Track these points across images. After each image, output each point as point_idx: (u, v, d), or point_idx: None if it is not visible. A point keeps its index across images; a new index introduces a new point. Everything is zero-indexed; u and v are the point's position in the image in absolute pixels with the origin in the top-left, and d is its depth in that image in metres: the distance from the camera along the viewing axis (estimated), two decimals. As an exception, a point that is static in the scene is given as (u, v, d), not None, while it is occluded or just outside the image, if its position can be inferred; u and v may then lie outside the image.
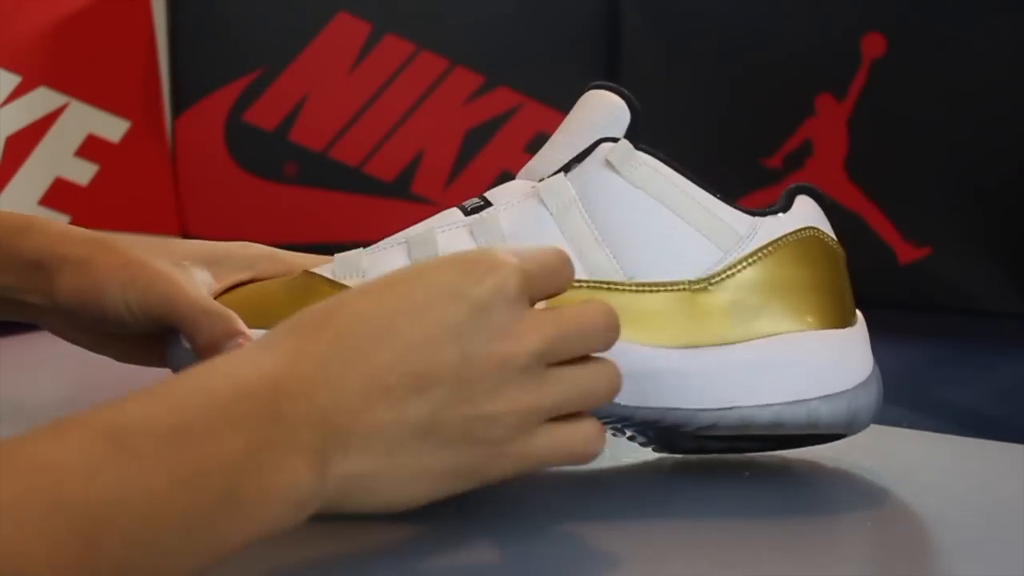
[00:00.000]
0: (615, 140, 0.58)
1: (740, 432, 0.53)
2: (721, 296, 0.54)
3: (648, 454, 0.55)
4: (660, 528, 0.46)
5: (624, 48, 1.60)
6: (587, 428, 0.43)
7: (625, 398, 0.49)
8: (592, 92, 0.60)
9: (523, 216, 0.55)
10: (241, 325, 0.51)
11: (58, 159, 1.33)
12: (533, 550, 0.44)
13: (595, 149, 0.57)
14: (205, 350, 0.51)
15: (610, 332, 0.43)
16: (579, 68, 1.62)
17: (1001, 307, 1.36)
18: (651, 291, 0.53)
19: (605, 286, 0.53)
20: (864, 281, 1.61)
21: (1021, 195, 1.37)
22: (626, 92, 0.59)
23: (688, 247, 0.55)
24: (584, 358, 0.43)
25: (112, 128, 1.37)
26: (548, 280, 0.43)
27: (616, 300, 0.52)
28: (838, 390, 0.55)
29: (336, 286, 0.53)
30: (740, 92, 1.53)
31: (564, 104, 1.72)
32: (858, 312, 0.61)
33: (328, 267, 0.55)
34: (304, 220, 1.57)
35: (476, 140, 1.59)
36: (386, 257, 0.55)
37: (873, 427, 0.68)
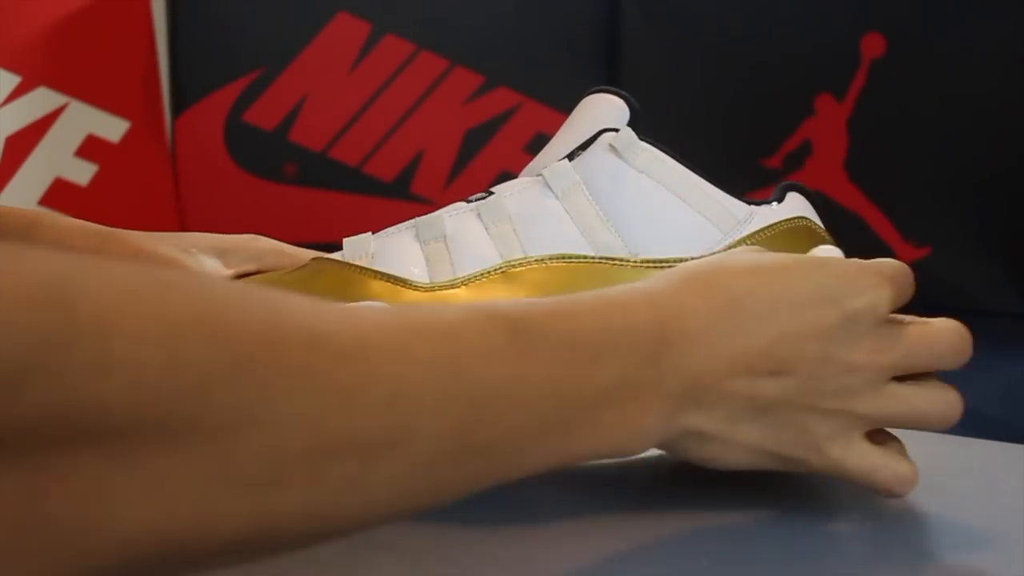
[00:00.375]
0: (617, 131, 0.59)
1: None
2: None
3: (649, 452, 0.55)
4: (659, 526, 0.46)
5: (624, 49, 1.60)
6: (901, 461, 0.44)
7: None
8: (592, 96, 0.61)
9: (528, 198, 0.57)
10: None
11: (58, 159, 1.33)
12: (532, 552, 0.44)
13: (598, 138, 0.59)
14: None
15: (960, 354, 0.45)
16: (579, 68, 1.62)
17: (1001, 307, 1.36)
18: (656, 267, 0.56)
19: (611, 262, 0.55)
20: (864, 281, 1.57)
21: (1021, 195, 1.37)
22: (625, 94, 0.61)
23: (690, 227, 0.59)
24: (930, 377, 0.45)
25: (112, 128, 1.38)
26: (903, 293, 0.45)
27: (623, 275, 0.54)
28: None
29: (347, 266, 0.54)
30: (740, 92, 1.53)
31: (564, 104, 1.72)
32: None
33: (337, 253, 0.56)
34: (304, 220, 1.57)
35: (476, 140, 1.59)
36: (394, 240, 0.56)
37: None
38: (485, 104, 1.58)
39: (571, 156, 0.59)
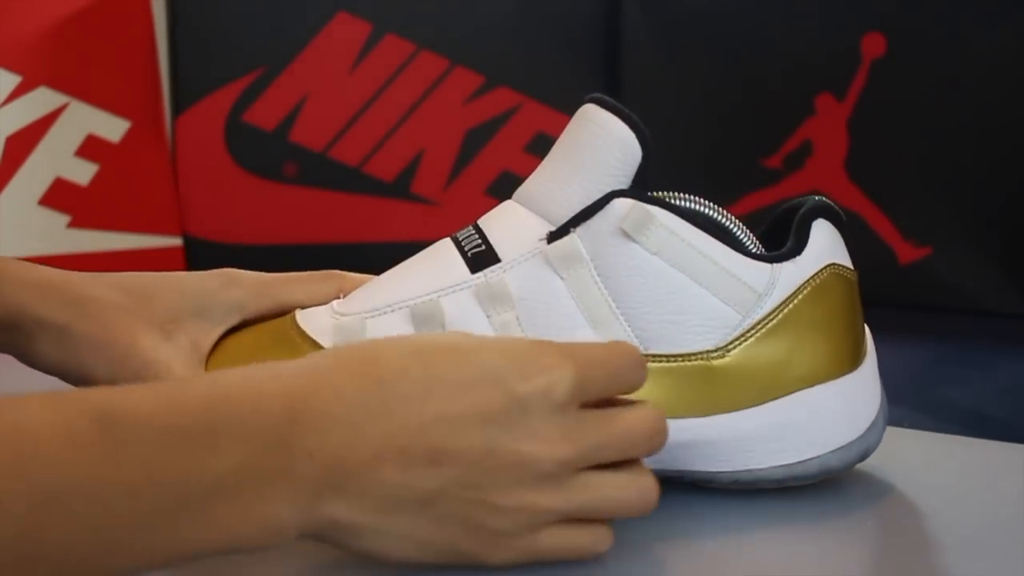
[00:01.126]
0: (625, 192, 0.55)
1: (755, 487, 0.53)
2: (738, 361, 0.53)
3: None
4: (660, 526, 0.46)
5: (624, 49, 1.60)
6: (596, 531, 0.41)
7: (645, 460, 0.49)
8: (597, 115, 0.56)
9: (533, 282, 0.53)
10: None
11: (58, 159, 1.33)
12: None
13: (606, 205, 0.54)
14: None
15: (655, 438, 0.42)
16: (579, 68, 1.62)
17: (1001, 307, 1.36)
18: (668, 362, 0.52)
19: None
20: (865, 281, 1.61)
21: (1022, 195, 1.37)
22: (634, 118, 0.56)
23: (706, 315, 0.53)
24: (621, 467, 0.41)
25: (112, 128, 1.38)
26: (611, 383, 0.41)
27: None
28: (849, 440, 0.55)
29: (317, 346, 0.51)
30: (740, 92, 1.53)
31: (564, 104, 1.71)
32: (867, 332, 0.59)
33: (325, 324, 0.52)
34: (304, 220, 1.57)
35: (476, 140, 1.59)
36: (387, 324, 0.52)
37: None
38: (485, 104, 1.58)
39: (576, 220, 0.54)
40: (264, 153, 1.53)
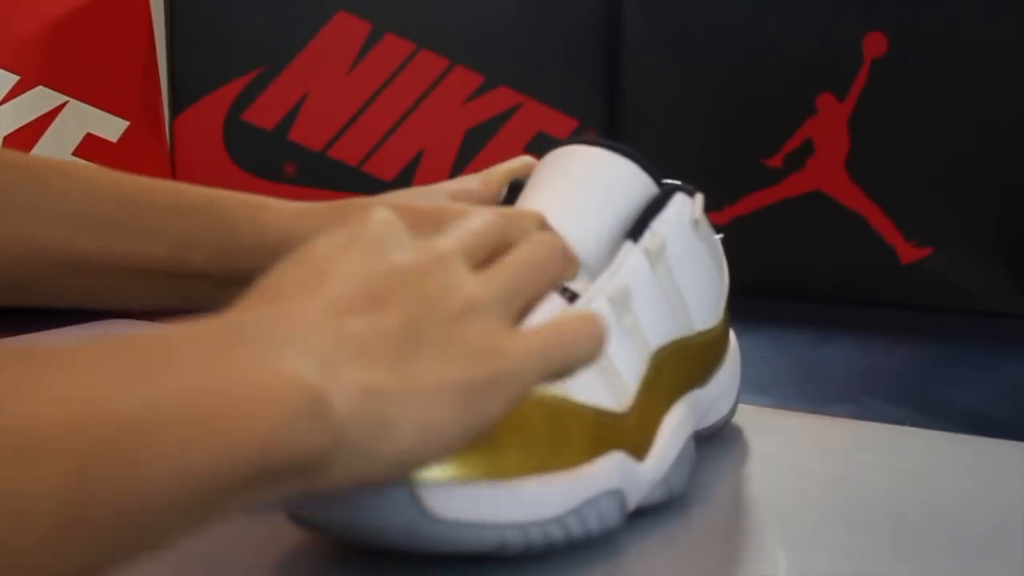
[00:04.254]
0: (678, 186, 0.59)
1: (712, 433, 0.60)
2: (721, 333, 0.60)
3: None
4: (662, 527, 0.46)
5: (625, 48, 1.60)
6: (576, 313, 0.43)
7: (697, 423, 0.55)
8: (605, 160, 0.58)
9: (639, 282, 0.54)
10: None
11: (56, 158, 1.32)
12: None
13: (671, 198, 0.57)
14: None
15: (521, 218, 0.47)
16: (579, 68, 1.61)
17: (1003, 307, 1.35)
18: (698, 338, 0.57)
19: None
20: (866, 281, 1.60)
21: (1023, 196, 1.37)
22: (638, 156, 0.58)
23: (719, 293, 0.61)
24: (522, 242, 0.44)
25: (111, 127, 1.37)
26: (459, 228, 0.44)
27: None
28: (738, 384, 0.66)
29: None
30: (741, 91, 1.53)
31: (564, 104, 1.72)
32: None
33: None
34: (303, 220, 1.56)
35: (476, 140, 1.58)
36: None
37: (878, 426, 0.67)
38: (485, 103, 1.58)
39: (649, 215, 0.56)
40: (263, 152, 1.53)
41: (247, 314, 0.37)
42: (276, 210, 0.58)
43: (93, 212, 0.58)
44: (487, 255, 0.43)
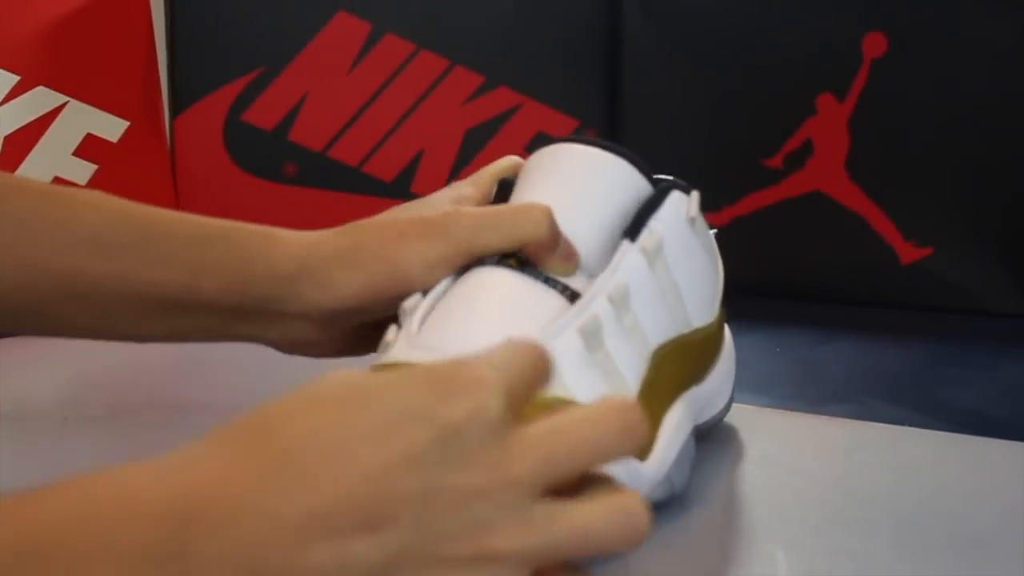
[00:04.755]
0: (674, 184, 0.58)
1: (708, 428, 0.61)
2: (717, 327, 0.60)
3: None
4: (662, 526, 0.45)
5: (625, 48, 1.60)
6: None
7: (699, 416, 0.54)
8: (599, 158, 0.58)
9: (639, 281, 0.53)
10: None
11: (56, 158, 1.32)
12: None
13: (668, 196, 0.56)
14: (537, 251, 0.51)
15: (630, 432, 0.35)
16: (579, 68, 1.61)
17: (1003, 307, 1.35)
18: (695, 335, 0.57)
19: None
20: (866, 281, 1.60)
21: (1023, 196, 1.37)
22: (631, 154, 0.58)
23: (715, 288, 0.61)
24: (598, 491, 0.35)
25: (111, 127, 1.37)
26: (529, 384, 0.36)
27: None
28: (731, 383, 0.66)
29: None
30: (741, 91, 1.53)
31: (564, 104, 1.71)
32: None
33: None
34: (304, 220, 1.56)
35: (476, 140, 1.58)
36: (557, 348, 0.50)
37: (878, 426, 0.67)
38: (485, 104, 1.58)
39: (646, 213, 0.55)
40: (263, 152, 1.52)
41: (198, 516, 0.30)
42: (289, 241, 0.58)
43: (105, 238, 0.56)
44: (565, 476, 0.35)
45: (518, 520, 0.33)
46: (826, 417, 0.73)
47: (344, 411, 0.33)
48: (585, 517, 0.34)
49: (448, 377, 0.35)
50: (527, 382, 0.36)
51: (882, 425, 0.69)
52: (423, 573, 0.32)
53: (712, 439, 0.62)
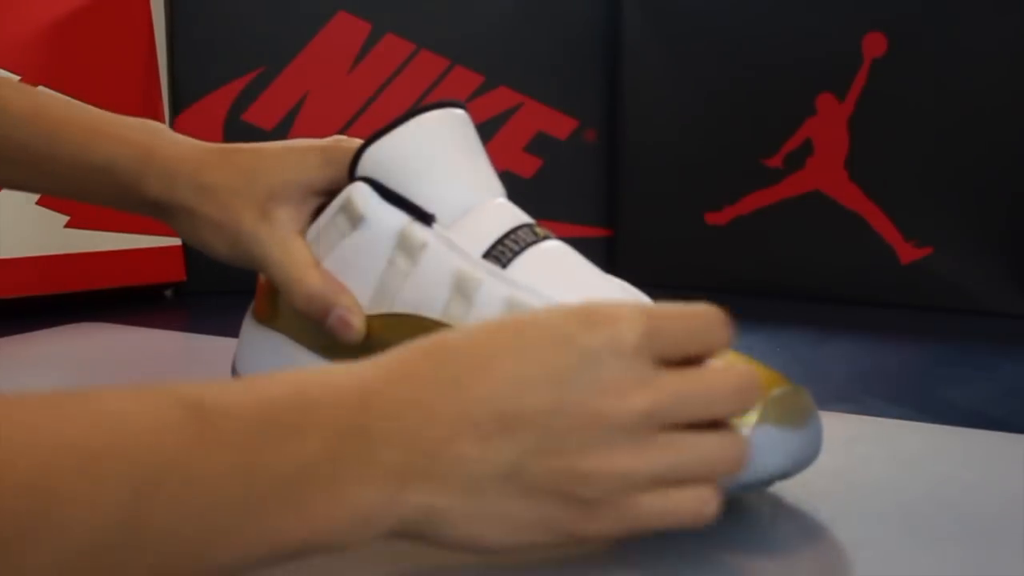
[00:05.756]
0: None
1: None
2: None
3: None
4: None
5: (625, 49, 1.60)
6: (699, 492, 0.38)
7: None
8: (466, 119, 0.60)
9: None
10: (338, 300, 0.53)
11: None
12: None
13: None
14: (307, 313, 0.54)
15: (744, 394, 0.39)
16: (579, 68, 1.62)
17: (1002, 307, 1.35)
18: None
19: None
20: (866, 281, 1.60)
21: (1022, 196, 1.37)
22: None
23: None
24: (710, 424, 0.39)
25: (111, 127, 1.37)
26: (689, 337, 0.39)
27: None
28: None
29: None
30: (741, 92, 1.53)
31: (564, 104, 1.71)
32: None
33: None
34: (304, 220, 1.56)
35: (476, 140, 1.58)
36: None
37: (880, 420, 0.68)
38: (485, 104, 1.58)
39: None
40: (263, 153, 1.53)
41: (376, 401, 0.36)
42: (156, 175, 0.59)
43: (2, 144, 0.60)
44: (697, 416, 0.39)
45: (640, 445, 0.37)
46: (827, 413, 0.73)
47: (500, 334, 0.39)
48: (699, 446, 0.38)
49: (593, 310, 0.39)
50: (679, 331, 0.39)
51: (882, 419, 0.69)
52: (552, 478, 0.37)
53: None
